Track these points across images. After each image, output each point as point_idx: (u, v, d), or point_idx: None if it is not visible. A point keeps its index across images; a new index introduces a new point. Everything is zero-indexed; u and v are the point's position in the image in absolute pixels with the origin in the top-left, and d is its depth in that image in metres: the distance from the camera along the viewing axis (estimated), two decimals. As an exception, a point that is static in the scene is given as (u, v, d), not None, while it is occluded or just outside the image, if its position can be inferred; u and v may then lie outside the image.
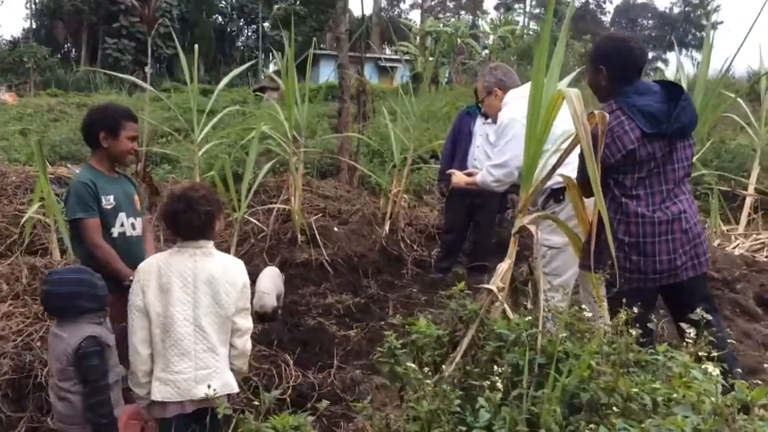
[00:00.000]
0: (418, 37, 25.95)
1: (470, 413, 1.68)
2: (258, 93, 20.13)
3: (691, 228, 2.65)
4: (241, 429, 1.78)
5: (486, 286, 2.21)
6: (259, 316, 4.08)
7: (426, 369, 1.93)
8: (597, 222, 2.21)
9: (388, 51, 32.23)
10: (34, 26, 41.57)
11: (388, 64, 23.21)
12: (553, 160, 2.39)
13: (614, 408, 1.57)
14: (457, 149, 5.18)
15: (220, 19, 44.57)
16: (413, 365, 1.94)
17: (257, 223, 5.71)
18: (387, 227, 5.91)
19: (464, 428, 1.64)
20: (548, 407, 1.57)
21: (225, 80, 6.19)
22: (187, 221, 2.34)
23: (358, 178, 7.89)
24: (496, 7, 50.80)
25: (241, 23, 46.02)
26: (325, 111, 14.25)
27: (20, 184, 6.13)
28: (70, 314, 2.34)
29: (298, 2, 37.30)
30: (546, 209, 3.07)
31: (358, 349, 3.93)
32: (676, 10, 55.16)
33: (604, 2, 55.91)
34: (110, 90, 24.83)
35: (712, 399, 1.50)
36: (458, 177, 3.66)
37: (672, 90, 2.68)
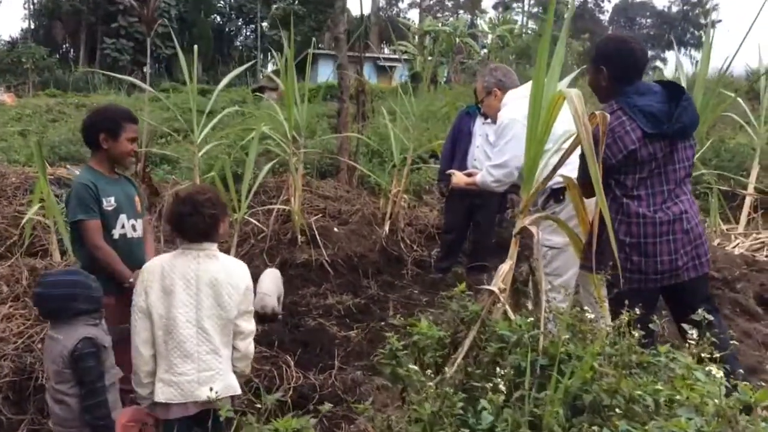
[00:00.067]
0: (416, 37, 25.91)
1: (472, 415, 1.68)
2: (257, 93, 20.09)
3: (692, 228, 2.65)
4: (243, 431, 1.77)
5: (487, 287, 2.21)
6: (259, 317, 4.07)
7: (428, 370, 1.93)
8: (597, 222, 2.21)
9: (386, 50, 32.26)
10: (32, 26, 41.46)
11: (387, 64, 23.23)
12: (554, 160, 2.39)
13: (617, 410, 1.56)
14: (457, 149, 5.18)
15: (218, 18, 44.48)
16: (415, 367, 1.93)
17: (257, 223, 5.70)
18: (387, 227, 5.91)
19: (467, 430, 1.64)
20: (551, 409, 1.57)
21: (225, 81, 6.16)
22: (192, 224, 2.35)
23: (357, 178, 7.88)
24: (495, 7, 50.68)
25: (239, 23, 45.92)
26: (325, 111, 14.21)
27: (20, 185, 6.11)
28: (65, 316, 2.32)
29: (296, 2, 37.26)
30: (546, 209, 3.07)
31: (359, 349, 3.92)
32: (674, 8, 55.15)
33: (603, 1, 55.88)
34: (109, 90, 24.75)
35: (716, 401, 1.50)
36: (458, 177, 3.65)
37: (673, 90, 2.68)
